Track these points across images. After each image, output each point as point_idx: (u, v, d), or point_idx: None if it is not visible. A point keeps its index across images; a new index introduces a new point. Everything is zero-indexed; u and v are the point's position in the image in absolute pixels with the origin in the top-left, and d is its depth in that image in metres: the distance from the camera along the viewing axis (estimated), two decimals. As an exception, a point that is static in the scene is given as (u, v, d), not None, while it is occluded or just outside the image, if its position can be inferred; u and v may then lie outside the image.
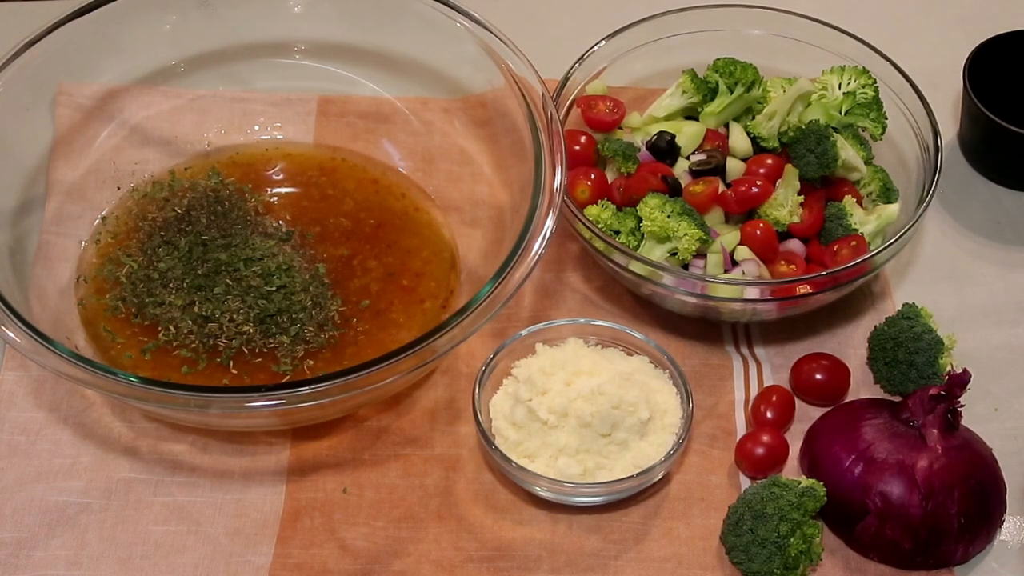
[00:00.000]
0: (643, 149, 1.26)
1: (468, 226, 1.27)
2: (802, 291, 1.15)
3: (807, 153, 1.22)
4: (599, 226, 1.19)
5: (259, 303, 1.16)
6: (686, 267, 1.20)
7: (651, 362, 1.16)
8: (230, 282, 1.18)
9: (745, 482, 1.14)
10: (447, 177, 1.31)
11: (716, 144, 1.27)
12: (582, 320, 1.19)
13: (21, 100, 1.22)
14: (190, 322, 1.16)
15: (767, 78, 1.30)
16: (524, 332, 1.16)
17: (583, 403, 1.10)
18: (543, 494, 1.11)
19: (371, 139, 1.33)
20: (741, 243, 1.21)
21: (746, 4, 1.33)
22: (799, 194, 1.23)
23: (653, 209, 1.18)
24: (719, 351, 1.23)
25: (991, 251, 1.32)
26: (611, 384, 1.11)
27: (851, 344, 1.23)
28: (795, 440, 1.16)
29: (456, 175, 1.31)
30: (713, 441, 1.17)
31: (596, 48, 1.30)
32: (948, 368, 1.17)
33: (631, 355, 1.17)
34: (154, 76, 1.32)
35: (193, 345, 1.16)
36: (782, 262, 1.21)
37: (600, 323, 1.18)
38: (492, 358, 1.14)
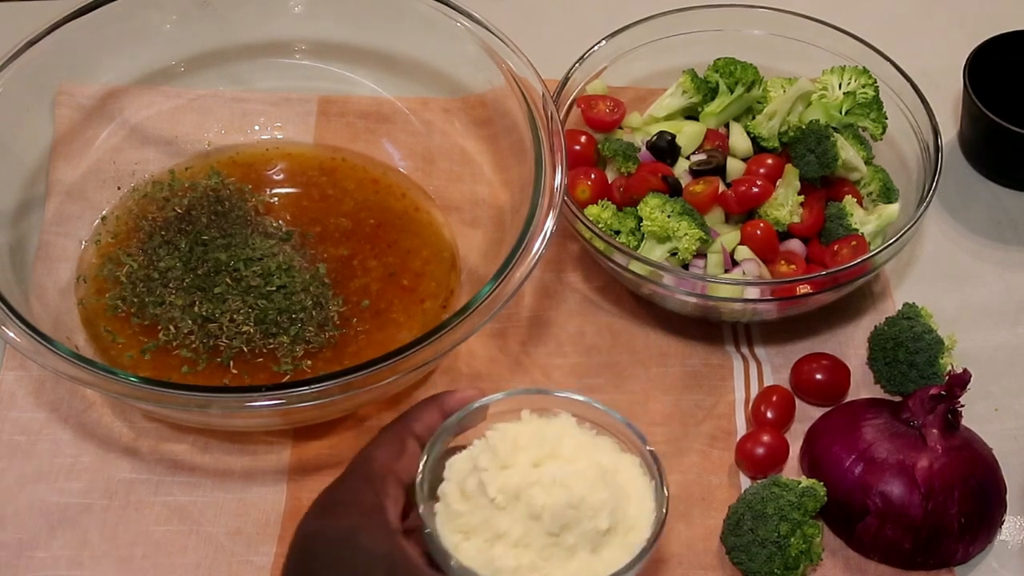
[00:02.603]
0: (643, 149, 1.26)
1: (468, 226, 1.27)
2: (802, 291, 1.15)
3: (807, 153, 1.22)
4: (599, 226, 1.19)
5: (259, 303, 1.16)
6: (686, 267, 1.20)
7: (641, 466, 0.97)
8: (230, 282, 1.18)
9: (745, 482, 1.14)
10: (447, 177, 1.31)
11: (716, 144, 1.27)
12: (582, 398, 0.99)
13: (21, 100, 1.21)
14: (190, 322, 1.16)
15: (767, 78, 1.30)
16: (500, 396, 0.98)
17: (539, 491, 0.92)
18: None
19: (371, 139, 1.33)
20: (741, 243, 1.21)
21: (746, 4, 1.33)
22: (799, 194, 1.23)
23: (653, 209, 1.18)
24: (719, 351, 1.23)
25: (991, 251, 1.32)
26: (579, 477, 0.93)
27: (851, 344, 1.23)
28: (795, 440, 1.16)
29: (456, 175, 1.31)
30: (713, 441, 1.17)
31: (596, 48, 1.30)
32: (948, 368, 1.17)
33: (625, 452, 0.98)
34: (154, 76, 1.32)
35: (193, 345, 1.16)
36: (782, 262, 1.21)
37: (600, 408, 0.98)
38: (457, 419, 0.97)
